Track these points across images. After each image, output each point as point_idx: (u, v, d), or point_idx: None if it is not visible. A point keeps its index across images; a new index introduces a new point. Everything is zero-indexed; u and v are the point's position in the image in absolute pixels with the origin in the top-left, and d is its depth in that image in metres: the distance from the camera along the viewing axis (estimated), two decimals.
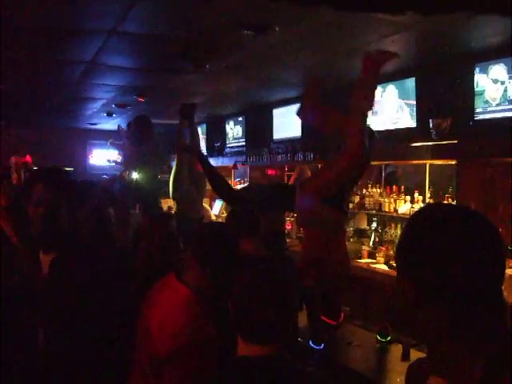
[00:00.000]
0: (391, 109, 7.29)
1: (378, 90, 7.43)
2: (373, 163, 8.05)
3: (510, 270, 5.09)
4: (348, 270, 4.60)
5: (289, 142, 9.57)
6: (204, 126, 13.05)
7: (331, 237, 4.36)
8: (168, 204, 9.55)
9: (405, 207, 7.41)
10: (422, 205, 7.03)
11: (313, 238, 4.51)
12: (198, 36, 5.75)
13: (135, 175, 7.62)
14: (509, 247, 5.29)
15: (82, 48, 6.33)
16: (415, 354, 3.55)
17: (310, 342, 4.14)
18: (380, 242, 7.97)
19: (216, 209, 11.74)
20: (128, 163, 7.96)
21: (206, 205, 9.39)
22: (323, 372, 2.53)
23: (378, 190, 8.10)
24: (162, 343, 2.58)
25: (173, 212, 7.25)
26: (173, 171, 6.99)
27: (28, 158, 8.48)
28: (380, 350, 4.14)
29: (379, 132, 7.41)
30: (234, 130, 11.81)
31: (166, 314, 2.68)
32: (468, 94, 6.16)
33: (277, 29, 5.27)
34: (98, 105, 10.86)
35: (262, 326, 2.09)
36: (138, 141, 7.62)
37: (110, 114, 11.67)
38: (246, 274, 2.21)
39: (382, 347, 4.16)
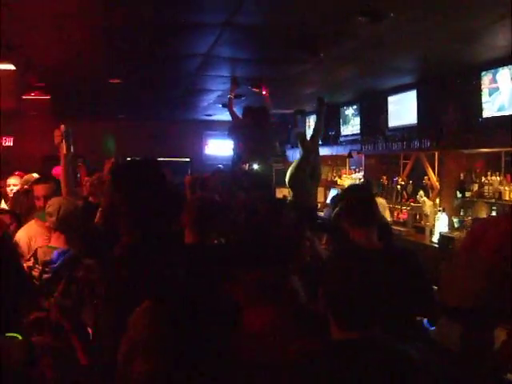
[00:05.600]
0: (508, 93, 7.01)
1: (491, 76, 7.22)
2: (492, 150, 7.81)
3: None
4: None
5: (404, 130, 9.39)
6: None
7: None
8: (283, 193, 9.63)
9: None
10: None
11: None
12: (312, 25, 5.74)
13: (254, 165, 7.73)
14: None
15: (198, 41, 6.45)
16: None
17: (425, 321, 4.03)
18: None
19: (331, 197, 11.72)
20: (244, 153, 8.07)
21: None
22: (425, 353, 2.46)
23: (498, 178, 7.83)
24: None
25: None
26: (297, 161, 7.05)
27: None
28: None
29: (497, 118, 7.17)
30: (348, 118, 11.70)
31: None
32: None
33: (392, 15, 5.18)
34: (213, 96, 11.06)
35: (356, 314, 2.13)
36: (253, 131, 7.73)
37: (225, 105, 11.83)
38: (342, 263, 2.24)
39: None
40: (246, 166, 7.91)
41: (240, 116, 8.41)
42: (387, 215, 9.36)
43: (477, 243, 2.40)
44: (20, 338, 2.09)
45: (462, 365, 2.29)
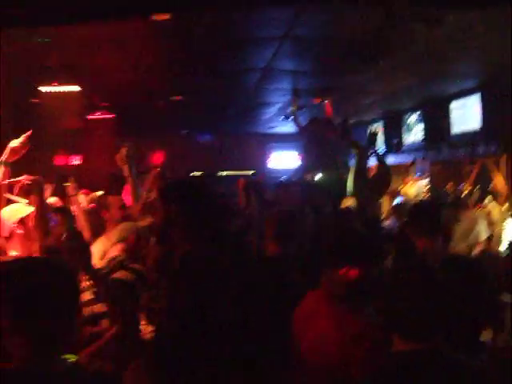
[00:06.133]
0: None
1: None
2: None
3: None
4: None
5: (469, 135, 9.22)
6: (381, 122, 12.89)
7: None
8: (347, 204, 9.56)
9: None
10: None
11: None
12: (369, 34, 5.72)
13: (318, 176, 7.72)
14: None
15: (257, 55, 6.51)
16: None
17: None
18: None
19: None
20: (308, 165, 8.07)
21: None
22: (487, 364, 2.43)
23: None
24: None
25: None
26: (353, 170, 6.99)
27: None
28: None
29: None
30: (411, 126, 11.57)
31: None
32: None
33: (451, 19, 5.11)
34: (274, 109, 11.10)
35: (419, 325, 2.11)
36: (316, 142, 7.72)
37: (287, 117, 11.84)
38: (407, 273, 2.22)
39: None
40: (310, 177, 7.90)
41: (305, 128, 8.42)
42: (482, 232, 7.72)
43: None
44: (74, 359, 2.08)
45: None
